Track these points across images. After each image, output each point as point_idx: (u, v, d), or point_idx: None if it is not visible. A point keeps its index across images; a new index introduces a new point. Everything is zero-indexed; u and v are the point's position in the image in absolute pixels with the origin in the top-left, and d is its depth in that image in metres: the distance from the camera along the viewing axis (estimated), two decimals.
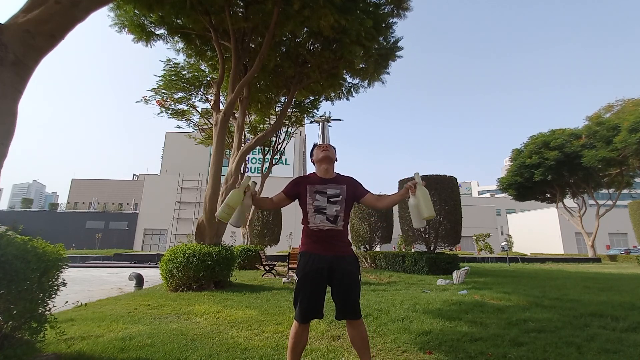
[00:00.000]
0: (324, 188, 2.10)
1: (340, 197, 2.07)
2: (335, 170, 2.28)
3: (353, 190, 2.13)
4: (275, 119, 10.65)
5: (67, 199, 40.13)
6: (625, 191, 27.32)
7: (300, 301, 1.99)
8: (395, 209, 13.26)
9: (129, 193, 39.98)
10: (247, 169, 18.71)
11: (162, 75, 11.18)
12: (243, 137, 10.31)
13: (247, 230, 14.33)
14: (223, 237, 7.89)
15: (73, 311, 4.18)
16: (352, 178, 2.25)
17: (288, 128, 15.02)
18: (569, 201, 30.25)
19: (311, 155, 2.35)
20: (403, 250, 15.83)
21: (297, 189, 2.16)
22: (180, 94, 12.17)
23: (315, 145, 2.35)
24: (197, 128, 14.43)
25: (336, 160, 2.30)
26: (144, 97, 12.03)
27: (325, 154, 2.21)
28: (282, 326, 3.57)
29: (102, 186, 41.63)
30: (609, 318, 3.95)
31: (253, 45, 8.45)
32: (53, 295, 2.55)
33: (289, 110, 11.74)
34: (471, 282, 7.81)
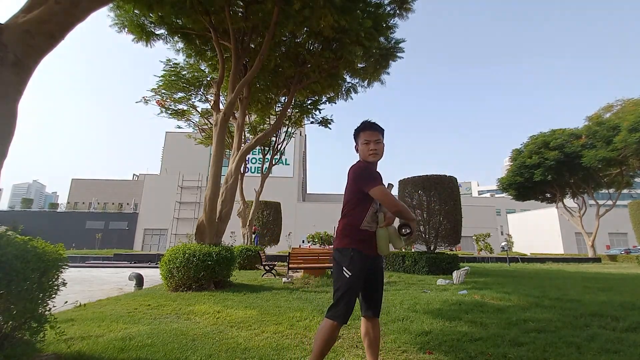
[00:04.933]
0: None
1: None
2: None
3: None
4: (275, 119, 10.64)
5: (67, 199, 40.13)
6: (625, 191, 27.34)
7: (349, 301, 1.90)
8: None
9: (129, 193, 39.98)
10: (247, 169, 18.72)
11: (162, 76, 11.18)
12: (243, 137, 10.32)
13: (247, 230, 14.32)
14: (223, 237, 7.89)
15: (73, 311, 4.18)
16: None
17: (288, 128, 15.02)
18: (569, 201, 30.26)
19: (355, 137, 2.14)
20: (403, 250, 15.83)
21: None
22: (180, 94, 12.17)
23: (360, 130, 2.10)
24: (197, 128, 14.43)
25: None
26: (143, 97, 12.02)
27: (375, 158, 2.05)
28: (282, 326, 3.57)
29: (102, 186, 41.62)
30: (609, 318, 3.95)
31: (253, 45, 8.45)
32: (53, 295, 2.54)
33: (289, 110, 11.74)
34: (471, 282, 7.81)
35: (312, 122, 13.68)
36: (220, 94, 8.43)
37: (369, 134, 2.05)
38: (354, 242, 2.02)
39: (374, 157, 2.03)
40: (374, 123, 2.09)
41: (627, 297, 5.64)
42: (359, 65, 8.52)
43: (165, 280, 6.47)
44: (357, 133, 2.11)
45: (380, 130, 2.08)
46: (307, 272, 8.84)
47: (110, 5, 6.99)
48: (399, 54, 8.39)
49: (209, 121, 13.83)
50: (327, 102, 11.30)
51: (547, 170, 25.12)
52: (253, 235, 14.91)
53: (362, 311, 2.08)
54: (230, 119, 8.62)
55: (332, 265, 2.30)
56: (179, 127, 14.75)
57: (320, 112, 12.57)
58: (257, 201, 15.07)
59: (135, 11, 7.18)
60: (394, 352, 2.80)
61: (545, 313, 4.27)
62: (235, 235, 21.86)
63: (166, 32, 8.12)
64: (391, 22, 7.78)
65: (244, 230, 14.42)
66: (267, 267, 9.74)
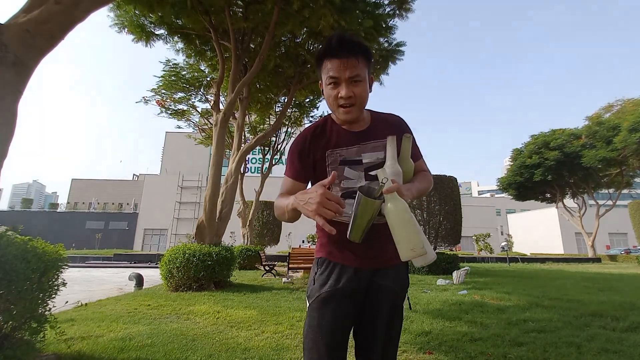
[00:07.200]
0: (356, 154, 1.10)
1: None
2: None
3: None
4: (275, 119, 10.66)
5: (67, 199, 40.13)
6: (625, 191, 27.33)
7: (315, 347, 1.04)
8: None
9: (129, 193, 39.97)
10: (247, 169, 18.75)
11: (161, 76, 11.19)
12: (243, 137, 10.32)
13: (247, 230, 14.33)
14: (223, 237, 7.89)
15: (73, 311, 4.18)
16: (400, 120, 1.22)
17: (288, 128, 15.04)
18: (569, 201, 30.26)
19: (318, 65, 1.09)
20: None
21: (308, 162, 1.12)
22: (180, 94, 12.18)
23: (323, 56, 1.05)
24: (197, 128, 14.44)
25: (371, 87, 1.10)
26: (143, 97, 12.03)
27: (347, 115, 1.06)
28: (282, 326, 3.57)
29: (102, 186, 41.63)
30: (609, 318, 3.96)
31: (253, 45, 8.46)
32: (53, 295, 2.55)
33: (288, 110, 11.75)
34: (471, 282, 7.81)
35: (311, 122, 13.71)
36: (220, 94, 8.43)
37: (338, 64, 1.01)
38: (322, 248, 1.16)
39: (345, 113, 1.05)
40: (347, 41, 1.01)
41: (627, 297, 5.64)
42: None
43: (165, 280, 6.47)
44: (320, 60, 1.07)
45: (363, 54, 1.02)
46: (307, 272, 8.85)
47: (110, 5, 6.99)
48: (398, 57, 8.39)
49: (209, 121, 13.84)
50: None
51: (547, 170, 25.14)
52: None
53: None
54: (230, 119, 8.63)
55: None
56: (179, 127, 14.78)
57: (318, 110, 12.65)
58: (257, 201, 15.08)
59: (136, 11, 7.19)
60: None
61: (545, 313, 4.27)
62: (235, 235, 21.87)
63: (166, 32, 8.12)
64: (391, 22, 7.78)
65: (243, 230, 14.43)
66: (267, 267, 9.74)
